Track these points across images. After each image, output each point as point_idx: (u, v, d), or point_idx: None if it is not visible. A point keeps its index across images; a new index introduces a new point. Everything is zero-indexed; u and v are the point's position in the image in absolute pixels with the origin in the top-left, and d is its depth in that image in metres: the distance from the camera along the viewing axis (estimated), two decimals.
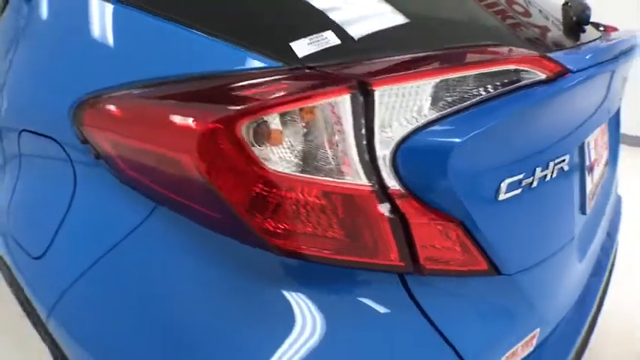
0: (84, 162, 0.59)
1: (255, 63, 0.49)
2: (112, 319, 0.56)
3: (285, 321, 0.49)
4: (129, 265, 0.55)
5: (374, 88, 0.46)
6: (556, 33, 0.76)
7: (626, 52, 0.80)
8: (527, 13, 0.78)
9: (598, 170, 0.90)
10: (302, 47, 0.50)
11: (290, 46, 0.50)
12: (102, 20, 0.58)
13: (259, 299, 0.50)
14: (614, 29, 0.96)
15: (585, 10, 0.80)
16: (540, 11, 0.83)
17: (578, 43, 0.76)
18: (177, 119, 0.46)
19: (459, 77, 0.50)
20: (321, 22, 0.53)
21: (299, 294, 0.50)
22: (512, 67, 0.53)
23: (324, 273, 0.50)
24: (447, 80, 0.49)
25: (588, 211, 0.81)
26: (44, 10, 0.67)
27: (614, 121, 1.05)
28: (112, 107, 0.51)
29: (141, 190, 0.52)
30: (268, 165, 0.44)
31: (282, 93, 0.44)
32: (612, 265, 1.01)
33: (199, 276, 0.51)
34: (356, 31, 0.53)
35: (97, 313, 0.58)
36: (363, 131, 0.46)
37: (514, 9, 0.77)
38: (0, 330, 1.61)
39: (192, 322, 0.50)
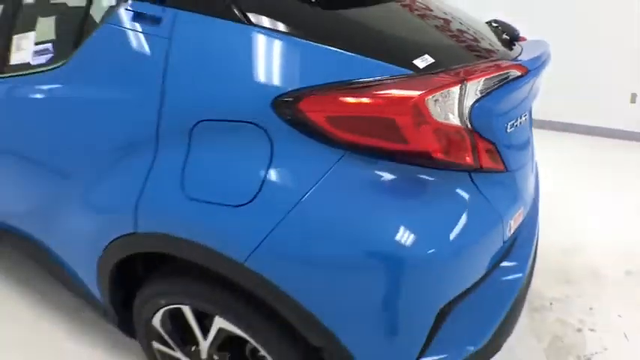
0: (281, 134, 1.02)
1: (398, 71, 1.02)
2: (314, 254, 1.01)
3: (436, 202, 1.06)
4: (323, 201, 1.00)
5: (467, 82, 1.03)
6: (504, 48, 1.43)
7: (549, 57, 1.50)
8: (468, 34, 1.42)
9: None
10: (418, 62, 1.06)
11: (414, 62, 1.05)
12: (287, 49, 1.05)
13: (418, 195, 1.06)
14: (524, 39, 1.69)
15: (515, 31, 1.50)
16: (479, 36, 1.49)
17: (520, 52, 1.42)
18: (393, 96, 0.97)
19: (490, 77, 1.09)
20: (423, 48, 1.10)
21: (433, 189, 1.06)
22: (510, 71, 1.15)
23: (439, 175, 1.07)
24: (487, 79, 1.08)
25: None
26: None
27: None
28: (328, 96, 0.99)
29: (342, 144, 0.99)
30: (436, 118, 0.99)
31: (434, 84, 0.99)
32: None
33: (377, 192, 1.02)
34: (434, 56, 1.10)
35: (301, 247, 1.02)
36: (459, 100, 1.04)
37: (470, 32, 1.43)
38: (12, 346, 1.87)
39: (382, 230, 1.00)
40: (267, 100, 1.02)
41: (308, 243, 1.03)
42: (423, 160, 1.02)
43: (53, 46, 1.54)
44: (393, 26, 1.24)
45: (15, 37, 1.61)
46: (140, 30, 1.18)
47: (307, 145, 1.02)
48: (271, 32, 1.07)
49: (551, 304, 2.19)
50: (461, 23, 1.43)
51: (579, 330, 2.04)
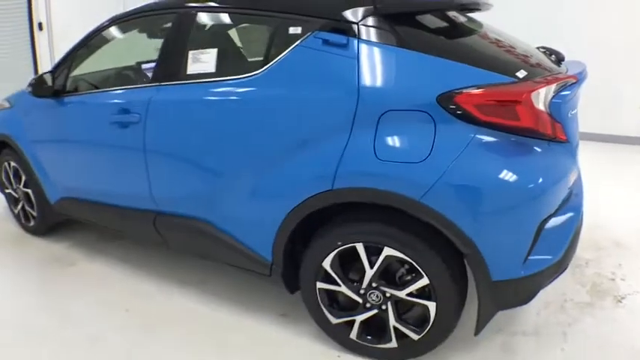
0: (442, 117, 1.74)
1: (509, 80, 1.77)
2: (466, 191, 1.75)
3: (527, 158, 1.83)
4: (469, 158, 1.73)
5: (550, 86, 1.81)
6: (556, 66, 2.22)
7: (587, 72, 2.30)
8: (532, 56, 2.23)
9: None
10: (519, 74, 1.81)
11: (516, 74, 1.81)
12: (441, 64, 1.81)
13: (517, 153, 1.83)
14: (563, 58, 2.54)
15: (560, 54, 2.36)
16: (539, 58, 2.33)
17: (567, 69, 2.20)
18: (514, 91, 1.73)
19: (559, 83, 1.88)
20: (517, 66, 1.88)
21: (532, 149, 1.82)
22: (568, 80, 1.96)
23: (534, 141, 1.83)
24: (557, 84, 1.87)
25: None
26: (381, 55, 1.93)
27: None
28: (479, 92, 1.73)
29: (481, 124, 1.72)
30: (537, 106, 1.75)
31: (534, 86, 1.75)
32: None
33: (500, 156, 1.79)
34: (525, 70, 1.88)
35: (457, 187, 1.75)
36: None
37: (533, 55, 2.26)
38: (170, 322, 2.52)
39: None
40: (433, 96, 1.77)
41: (461, 184, 1.76)
42: (528, 131, 1.77)
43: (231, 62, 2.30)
44: (493, 50, 2.04)
45: (191, 53, 2.32)
46: (332, 52, 1.92)
47: (458, 125, 1.77)
48: (428, 54, 1.84)
49: (586, 263, 2.96)
50: (523, 49, 2.26)
51: (612, 279, 2.82)
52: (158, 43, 2.59)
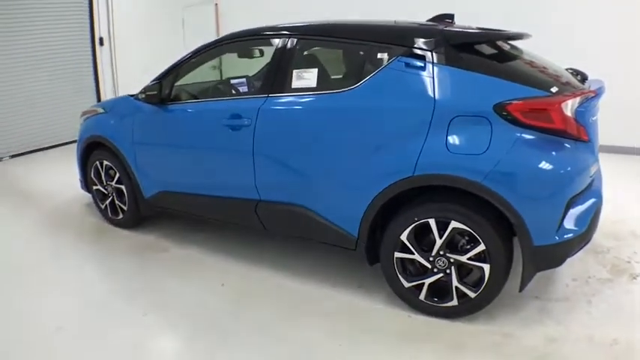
0: (496, 121, 2.49)
1: (544, 94, 2.51)
2: (514, 177, 2.54)
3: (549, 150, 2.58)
4: (516, 152, 2.49)
5: (575, 98, 2.54)
6: (580, 84, 2.96)
7: (604, 87, 3.02)
8: (562, 76, 3.02)
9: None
10: (552, 89, 2.53)
11: (550, 90, 2.55)
12: (496, 82, 2.56)
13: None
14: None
15: (585, 74, 3.19)
16: (567, 77, 3.13)
17: (589, 85, 2.91)
18: (550, 102, 2.49)
19: (582, 96, 2.61)
20: (550, 83, 2.62)
21: (563, 146, 2.58)
22: (589, 94, 2.70)
23: (565, 140, 2.58)
24: (581, 97, 2.62)
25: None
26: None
27: None
28: (524, 103, 2.48)
29: (524, 126, 2.44)
30: (566, 113, 2.51)
31: (563, 99, 2.50)
32: None
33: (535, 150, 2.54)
34: (557, 87, 2.61)
35: (508, 173, 2.52)
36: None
37: (563, 75, 3.08)
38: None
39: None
40: (489, 106, 2.49)
41: (511, 171, 2.46)
42: (559, 132, 2.47)
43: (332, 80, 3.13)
44: (532, 71, 2.78)
45: (295, 71, 3.10)
46: (413, 72, 2.67)
47: (507, 126, 2.47)
48: (485, 74, 2.58)
49: (608, 249, 3.70)
50: (554, 69, 3.05)
51: (629, 262, 3.56)
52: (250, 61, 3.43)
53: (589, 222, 2.73)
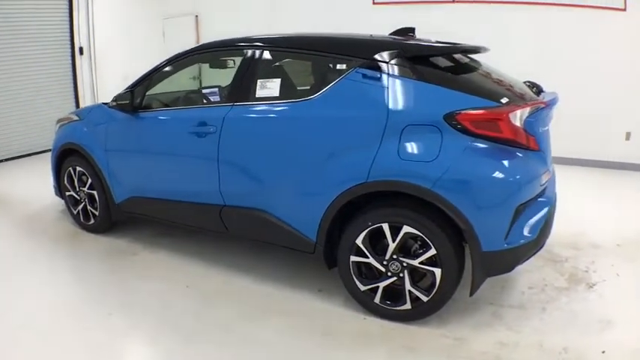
0: (447, 131, 2.65)
1: (494, 104, 2.67)
2: (462, 183, 2.66)
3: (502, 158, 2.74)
4: (465, 160, 2.64)
5: (524, 109, 2.71)
6: (535, 95, 3.17)
7: (557, 99, 3.23)
8: (517, 87, 3.22)
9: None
10: (502, 100, 2.69)
11: (500, 100, 2.71)
12: (447, 93, 2.71)
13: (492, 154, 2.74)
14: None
15: (540, 86, 3.36)
16: (522, 88, 3.33)
17: (543, 97, 3.12)
18: (498, 112, 2.64)
19: (532, 107, 2.79)
20: (502, 94, 2.79)
21: (513, 154, 2.73)
22: (540, 104, 2.87)
23: (514, 149, 2.73)
24: (531, 108, 2.78)
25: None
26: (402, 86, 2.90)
27: None
28: (473, 112, 2.63)
29: (474, 135, 2.59)
30: (514, 123, 2.67)
31: (512, 109, 2.66)
32: None
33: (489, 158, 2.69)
34: (508, 98, 2.78)
35: (456, 180, 2.65)
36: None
37: (518, 86, 3.26)
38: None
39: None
40: (440, 115, 2.65)
41: (460, 178, 2.62)
42: (508, 141, 2.64)
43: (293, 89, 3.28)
44: (485, 83, 2.98)
45: (259, 81, 3.26)
46: (369, 83, 2.83)
47: (457, 135, 2.63)
48: (437, 85, 2.74)
49: (566, 259, 3.85)
50: (509, 81, 3.24)
51: (586, 271, 3.70)
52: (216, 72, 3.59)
53: (540, 229, 2.88)
